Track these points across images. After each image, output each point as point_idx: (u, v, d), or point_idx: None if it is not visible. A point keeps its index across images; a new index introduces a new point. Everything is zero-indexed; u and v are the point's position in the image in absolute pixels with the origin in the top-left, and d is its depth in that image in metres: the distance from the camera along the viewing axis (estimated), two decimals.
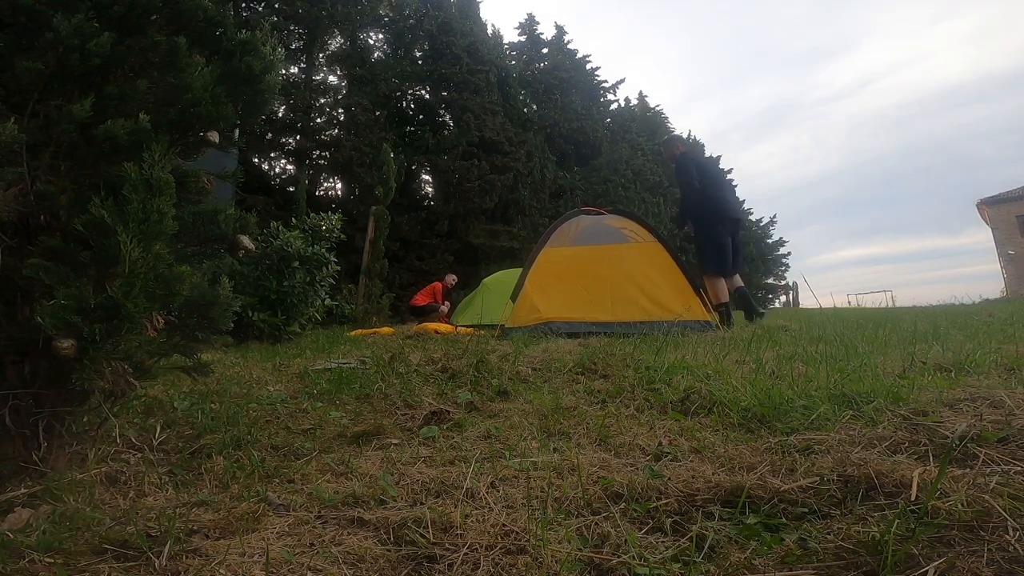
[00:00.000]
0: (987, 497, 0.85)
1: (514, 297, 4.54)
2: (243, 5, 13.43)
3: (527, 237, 14.51)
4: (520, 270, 4.98)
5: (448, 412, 1.71)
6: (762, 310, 5.07)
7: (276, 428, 1.61)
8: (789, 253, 27.59)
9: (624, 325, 4.08)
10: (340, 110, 15.61)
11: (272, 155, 14.97)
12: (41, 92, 1.16)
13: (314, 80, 15.35)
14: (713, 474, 1.11)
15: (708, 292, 4.79)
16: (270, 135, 14.23)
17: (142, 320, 1.14)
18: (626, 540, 0.88)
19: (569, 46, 21.42)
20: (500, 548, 0.87)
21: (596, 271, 4.55)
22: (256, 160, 14.22)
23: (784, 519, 0.94)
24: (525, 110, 18.01)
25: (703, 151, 26.82)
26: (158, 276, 1.11)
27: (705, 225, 5.01)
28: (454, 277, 10.41)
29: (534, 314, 4.30)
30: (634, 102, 25.80)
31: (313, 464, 1.30)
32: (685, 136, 26.50)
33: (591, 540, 0.91)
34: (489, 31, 18.32)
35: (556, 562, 0.83)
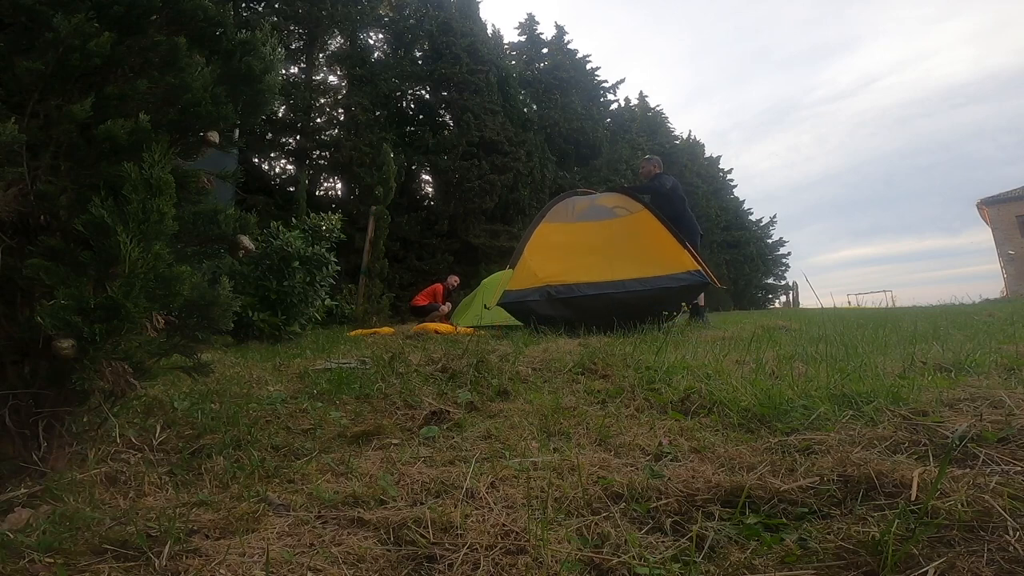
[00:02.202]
0: (987, 497, 0.85)
1: (512, 265, 4.79)
2: (243, 5, 13.40)
3: None
4: None
5: (448, 412, 1.70)
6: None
7: (276, 428, 1.61)
8: (789, 253, 27.63)
9: (619, 284, 4.25)
10: (340, 110, 15.58)
11: (272, 155, 14.93)
12: (41, 92, 1.16)
13: (314, 80, 15.33)
14: (713, 474, 1.11)
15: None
16: (270, 135, 14.20)
17: (142, 320, 1.14)
18: (626, 540, 0.89)
19: (569, 46, 21.41)
20: (500, 548, 0.87)
21: (590, 242, 4.75)
22: (256, 160, 14.20)
23: (784, 519, 0.94)
24: (525, 110, 17.99)
25: (703, 151, 26.84)
26: (158, 276, 1.11)
27: (696, 237, 5.44)
28: (456, 278, 10.40)
29: (532, 279, 4.52)
30: (634, 102, 25.81)
31: (313, 464, 1.30)
32: (685, 136, 26.52)
33: (591, 540, 0.91)
34: (489, 31, 18.29)
35: (556, 562, 0.83)
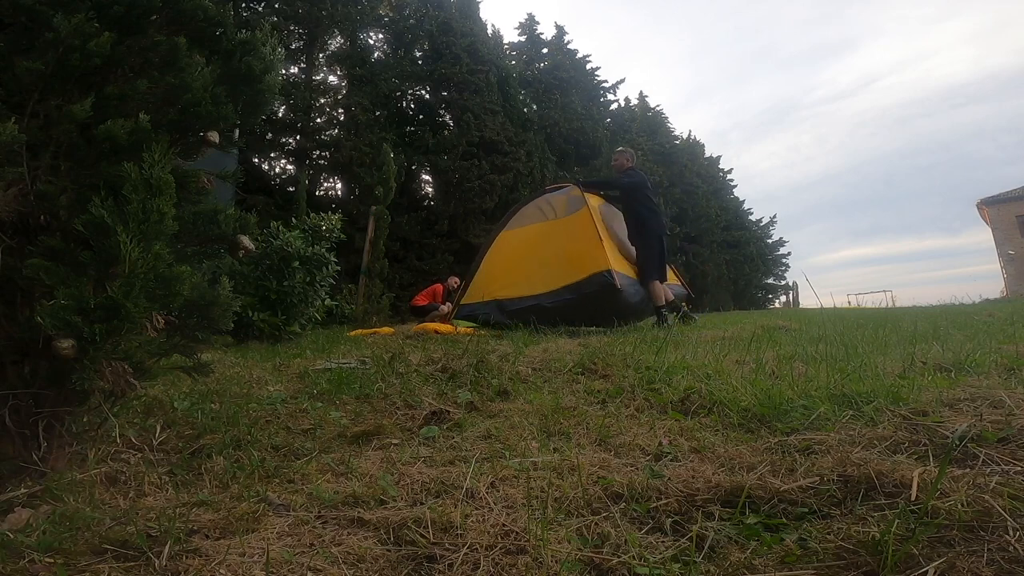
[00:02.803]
0: (987, 497, 0.85)
1: (468, 280, 5.26)
2: (243, 5, 13.39)
3: None
4: None
5: (448, 412, 1.70)
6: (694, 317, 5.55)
7: (276, 428, 1.61)
8: (789, 253, 27.58)
9: (553, 294, 4.58)
10: (340, 110, 15.57)
11: (272, 155, 14.91)
12: (41, 92, 1.16)
13: (314, 80, 15.32)
14: (713, 474, 1.11)
15: (655, 295, 5.19)
16: (270, 135, 14.19)
17: (142, 320, 1.14)
18: (626, 540, 0.89)
19: (569, 46, 21.40)
20: (500, 548, 0.87)
21: (539, 247, 5.02)
22: (256, 160, 14.19)
23: (784, 519, 0.94)
24: (525, 110, 17.96)
25: (703, 151, 26.84)
26: (158, 276, 1.11)
27: (657, 238, 5.39)
28: (456, 279, 10.40)
29: (484, 293, 4.99)
30: (634, 102, 25.78)
31: (313, 464, 1.30)
32: (685, 136, 26.52)
33: (591, 540, 0.91)
34: (489, 31, 18.27)
35: (556, 562, 0.83)
